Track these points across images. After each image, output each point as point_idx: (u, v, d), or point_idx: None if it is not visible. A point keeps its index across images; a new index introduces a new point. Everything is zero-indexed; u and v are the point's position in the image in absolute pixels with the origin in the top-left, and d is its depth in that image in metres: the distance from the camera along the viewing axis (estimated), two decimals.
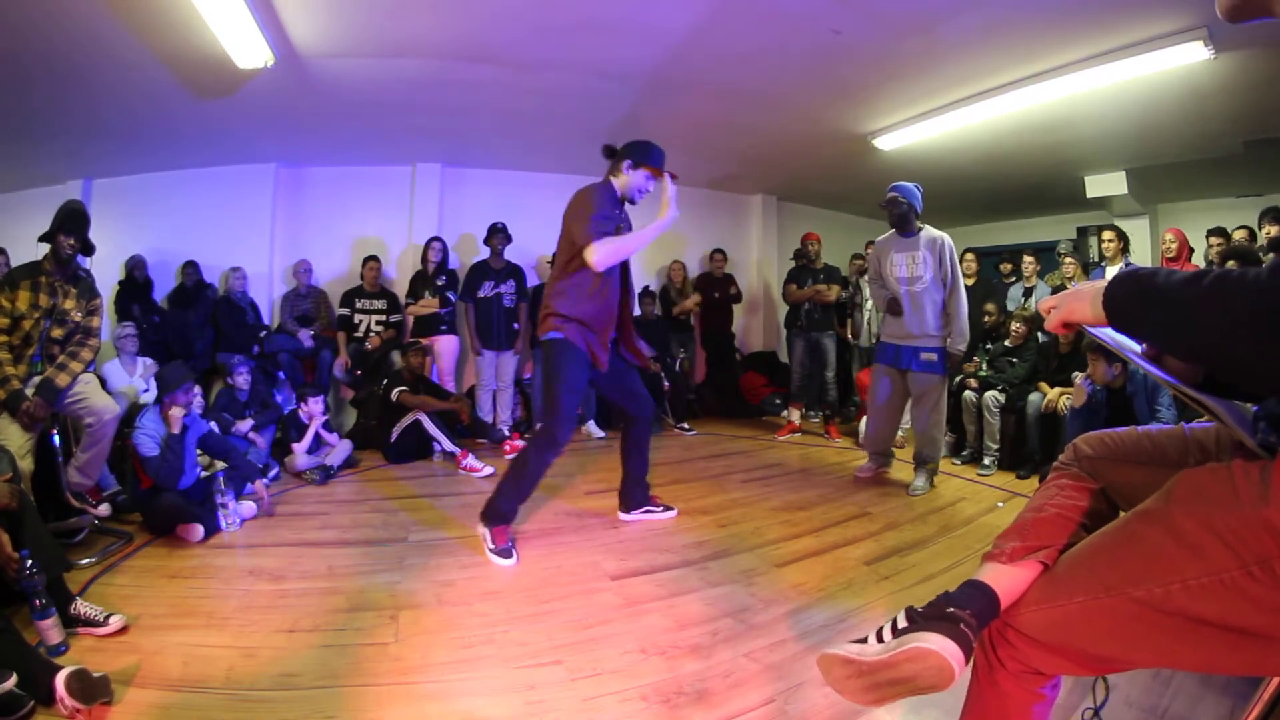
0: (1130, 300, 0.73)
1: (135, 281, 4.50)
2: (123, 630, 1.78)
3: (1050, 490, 1.04)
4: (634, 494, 2.84)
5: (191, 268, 4.63)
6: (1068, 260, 4.52)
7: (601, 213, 2.39)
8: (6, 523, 1.79)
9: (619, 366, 2.68)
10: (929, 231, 3.30)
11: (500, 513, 2.42)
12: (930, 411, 3.30)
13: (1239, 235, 3.87)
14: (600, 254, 2.33)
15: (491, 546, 2.38)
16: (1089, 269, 4.68)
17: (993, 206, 6.67)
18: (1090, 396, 3.14)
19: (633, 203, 2.60)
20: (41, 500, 2.36)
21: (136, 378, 3.79)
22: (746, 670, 1.62)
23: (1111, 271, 3.82)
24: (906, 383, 3.38)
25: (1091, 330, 0.84)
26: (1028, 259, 4.81)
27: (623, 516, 2.84)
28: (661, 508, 2.87)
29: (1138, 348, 0.88)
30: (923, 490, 3.30)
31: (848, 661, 0.91)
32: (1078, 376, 3.23)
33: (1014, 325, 4.08)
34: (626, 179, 2.53)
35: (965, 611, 0.88)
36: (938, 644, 0.84)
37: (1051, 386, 3.66)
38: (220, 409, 3.69)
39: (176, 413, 2.69)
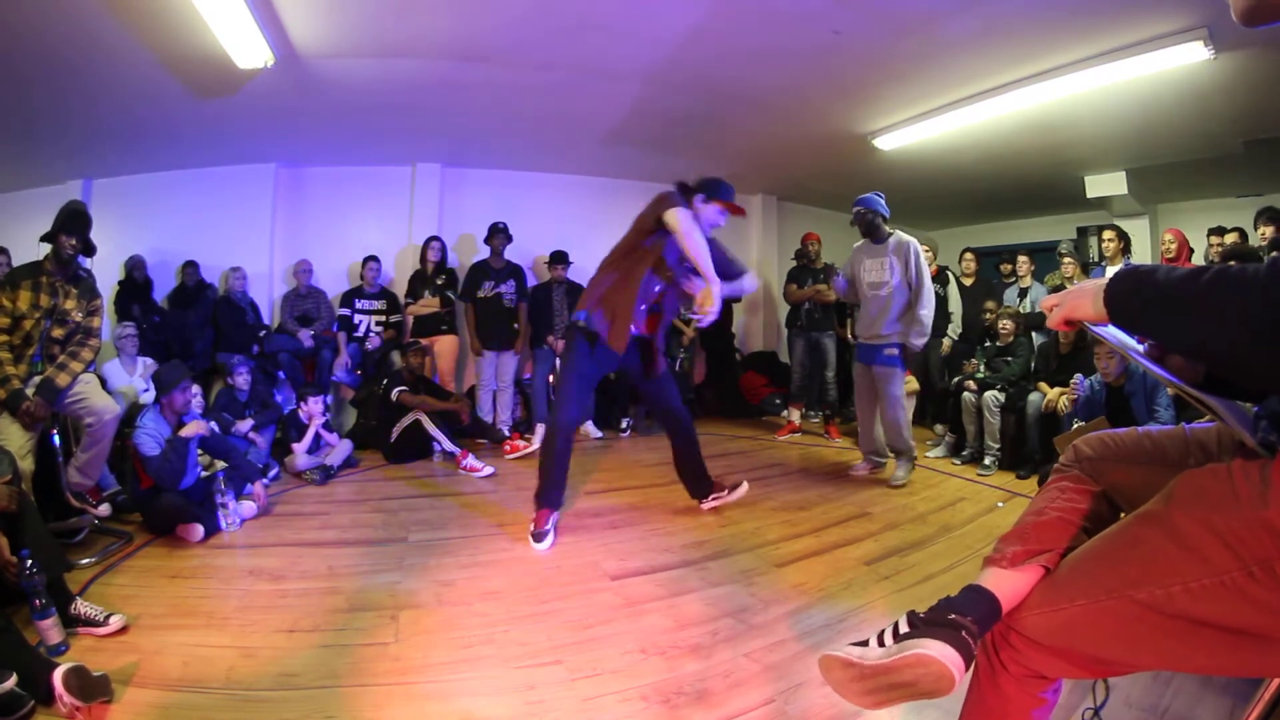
0: (1131, 297, 0.73)
1: (135, 282, 4.50)
2: (123, 630, 1.78)
3: (1051, 493, 1.04)
4: (701, 486, 2.93)
5: (191, 268, 4.63)
6: (1067, 260, 4.52)
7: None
8: (5, 524, 1.79)
9: (657, 381, 2.79)
10: (898, 237, 3.43)
11: (538, 496, 2.59)
12: (891, 404, 3.43)
13: (1230, 237, 3.84)
14: (683, 220, 2.39)
15: (531, 529, 2.55)
16: (1089, 269, 4.68)
17: (993, 206, 6.67)
18: (1089, 396, 3.14)
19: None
20: (42, 500, 2.36)
21: (136, 378, 3.79)
22: (746, 670, 1.62)
23: (1111, 271, 3.83)
24: (873, 378, 3.53)
25: (1093, 328, 0.84)
26: (1022, 259, 4.82)
27: (702, 505, 2.94)
28: (728, 490, 2.93)
29: (1139, 346, 0.88)
30: (902, 480, 3.39)
31: (849, 664, 0.92)
32: (1076, 379, 3.25)
33: (1001, 324, 4.09)
34: (701, 212, 2.61)
35: (967, 618, 0.88)
36: (939, 651, 0.84)
37: (1051, 386, 3.66)
38: (220, 409, 3.69)
39: (196, 426, 2.72)
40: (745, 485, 2.94)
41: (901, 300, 3.39)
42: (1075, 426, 3.00)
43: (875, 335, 3.51)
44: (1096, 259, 4.88)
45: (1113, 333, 0.85)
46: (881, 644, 0.91)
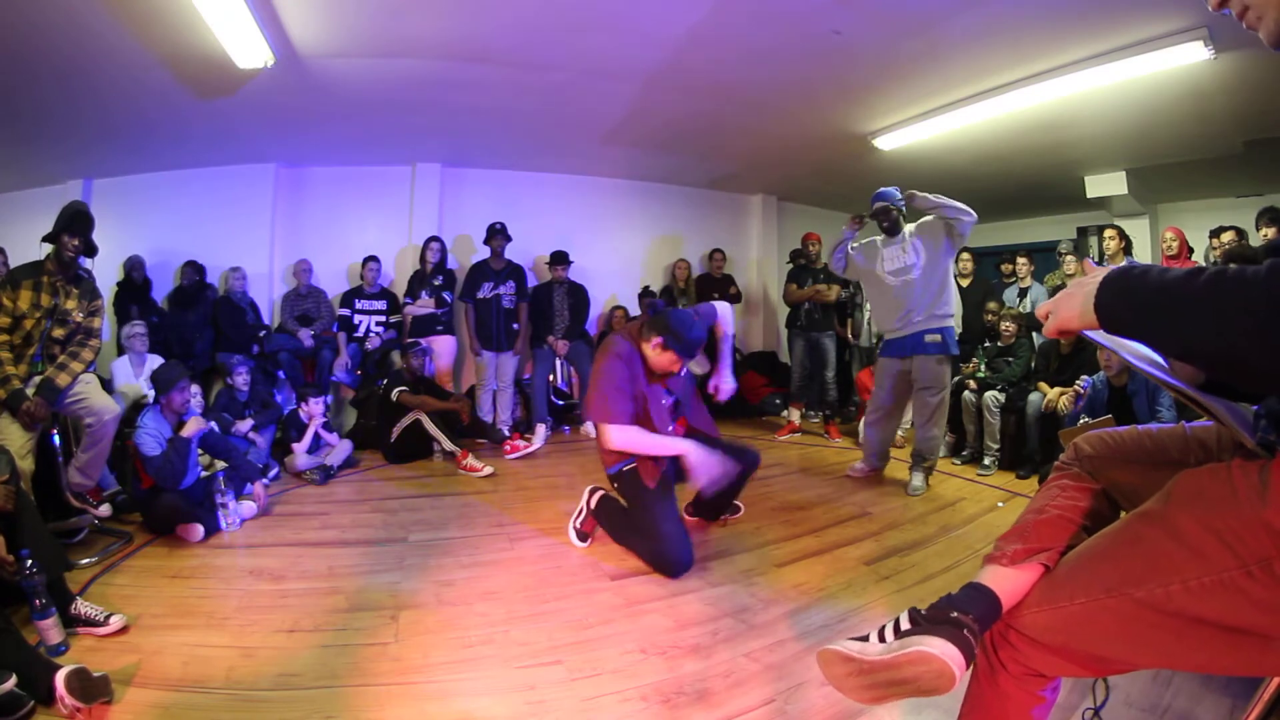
0: (1122, 304, 0.70)
1: (134, 282, 4.50)
2: (123, 630, 1.78)
3: (1051, 491, 1.03)
4: (714, 513, 2.78)
5: (191, 268, 4.63)
6: (1068, 260, 4.52)
7: (619, 386, 2.27)
8: (4, 524, 1.79)
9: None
10: (909, 226, 3.36)
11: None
12: (934, 409, 3.27)
13: (1227, 237, 3.81)
14: (618, 439, 2.25)
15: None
16: None
17: (993, 206, 6.66)
18: (1091, 394, 3.14)
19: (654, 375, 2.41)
20: (42, 500, 2.36)
21: (143, 379, 3.75)
22: (746, 670, 1.62)
23: None
24: (911, 376, 3.34)
25: (1088, 333, 0.83)
26: (1021, 260, 4.81)
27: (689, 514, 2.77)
28: (726, 515, 2.84)
29: (1138, 348, 0.88)
30: (921, 489, 3.29)
31: (848, 659, 0.91)
32: (1082, 381, 3.25)
33: (1003, 325, 4.09)
34: (652, 355, 2.31)
35: (968, 616, 0.88)
36: (940, 648, 0.84)
37: (1052, 386, 3.66)
38: (220, 409, 3.69)
39: (196, 423, 2.72)
40: (742, 510, 2.87)
41: (933, 280, 3.22)
42: (1081, 423, 2.99)
43: (908, 325, 3.29)
44: (1097, 259, 4.87)
45: (1106, 336, 0.84)
46: (882, 639, 0.91)
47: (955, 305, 3.24)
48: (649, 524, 2.28)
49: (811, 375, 4.94)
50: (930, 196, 3.16)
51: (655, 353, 2.30)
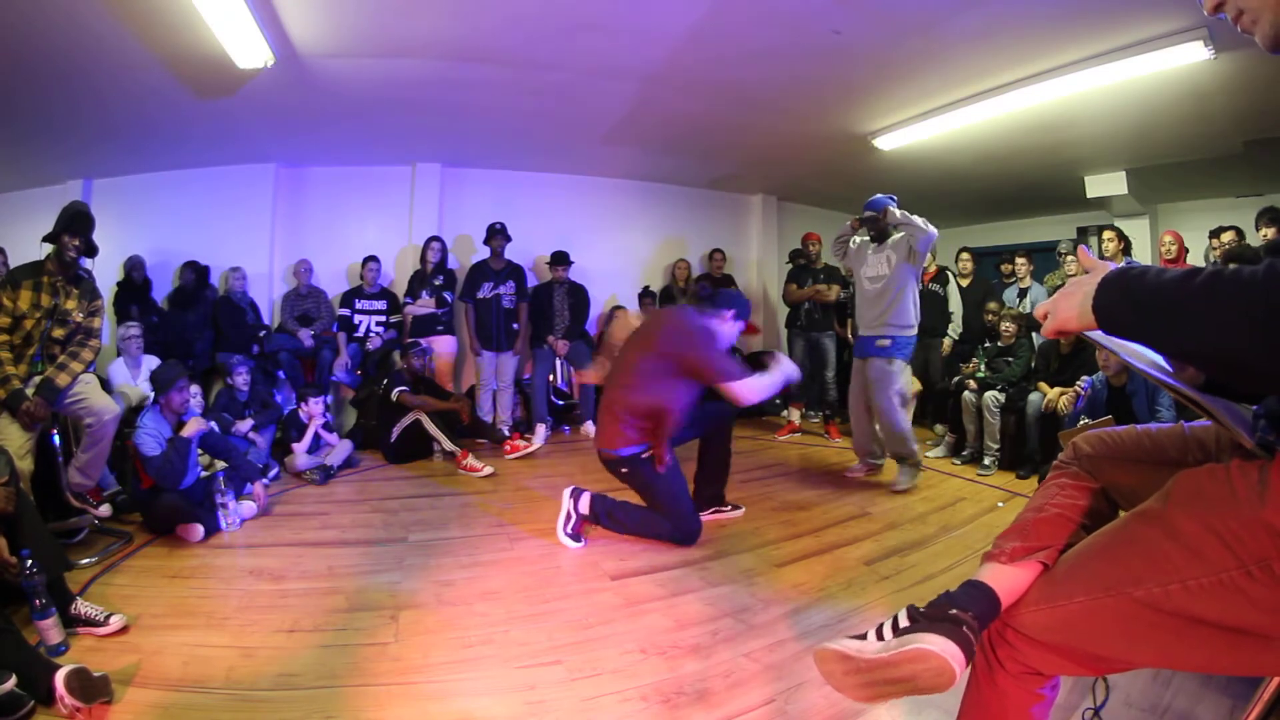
0: (1121, 305, 0.69)
1: (134, 282, 4.50)
2: (123, 630, 1.78)
3: (1050, 490, 1.03)
4: (704, 495, 2.89)
5: (191, 268, 4.63)
6: (1068, 260, 4.52)
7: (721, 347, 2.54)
8: (4, 525, 1.79)
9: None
10: (894, 235, 3.42)
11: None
12: (887, 407, 3.33)
13: (1227, 237, 3.81)
14: (752, 389, 2.41)
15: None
16: None
17: (993, 206, 6.67)
18: (1091, 395, 3.14)
19: None
20: (42, 500, 2.36)
21: (141, 381, 3.75)
22: (746, 670, 1.62)
23: None
24: (866, 376, 3.46)
25: (1086, 334, 0.83)
26: (1020, 260, 4.81)
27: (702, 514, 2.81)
28: (730, 507, 2.92)
29: (1137, 348, 0.87)
30: (905, 485, 3.29)
31: (846, 657, 0.91)
32: (1082, 381, 3.26)
33: (1003, 325, 4.09)
34: (730, 328, 2.63)
35: (967, 613, 0.88)
36: (939, 646, 0.84)
37: (1052, 386, 3.66)
38: (220, 409, 3.69)
39: (196, 423, 2.73)
40: (743, 510, 2.94)
41: (894, 288, 3.35)
42: (1081, 423, 3.00)
43: (866, 325, 3.49)
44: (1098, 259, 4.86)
45: (1105, 337, 0.84)
46: (880, 637, 0.91)
47: (914, 318, 3.41)
48: (671, 503, 2.51)
49: (811, 375, 4.94)
50: (898, 213, 3.31)
51: (729, 326, 2.62)
